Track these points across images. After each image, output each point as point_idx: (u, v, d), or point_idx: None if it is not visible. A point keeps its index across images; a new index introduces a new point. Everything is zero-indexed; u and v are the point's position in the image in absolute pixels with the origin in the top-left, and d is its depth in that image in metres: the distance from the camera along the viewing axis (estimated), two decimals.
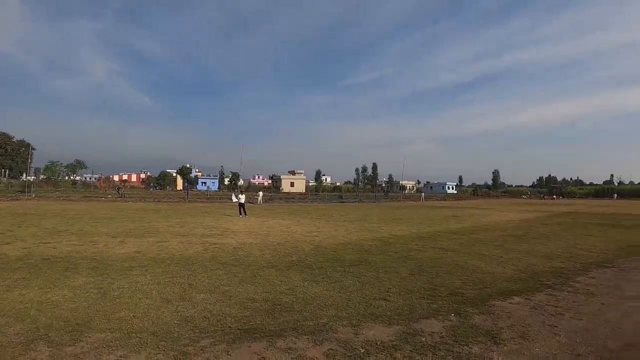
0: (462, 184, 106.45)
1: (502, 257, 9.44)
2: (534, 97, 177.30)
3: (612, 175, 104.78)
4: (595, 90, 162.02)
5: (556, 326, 4.88)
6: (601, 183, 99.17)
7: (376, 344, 3.98)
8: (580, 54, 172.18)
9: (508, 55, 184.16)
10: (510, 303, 5.74)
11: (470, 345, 4.08)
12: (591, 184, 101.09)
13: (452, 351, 3.91)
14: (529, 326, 4.80)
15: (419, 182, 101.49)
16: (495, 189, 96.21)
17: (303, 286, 6.22)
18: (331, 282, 6.53)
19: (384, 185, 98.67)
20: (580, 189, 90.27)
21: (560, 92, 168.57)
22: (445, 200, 57.32)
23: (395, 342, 4.04)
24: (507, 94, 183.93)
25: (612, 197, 64.31)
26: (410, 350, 3.87)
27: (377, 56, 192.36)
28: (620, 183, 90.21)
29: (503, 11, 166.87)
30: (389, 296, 5.83)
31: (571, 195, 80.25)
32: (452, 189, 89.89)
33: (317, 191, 74.50)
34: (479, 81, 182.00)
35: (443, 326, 4.63)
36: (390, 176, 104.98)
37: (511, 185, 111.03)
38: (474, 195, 79.75)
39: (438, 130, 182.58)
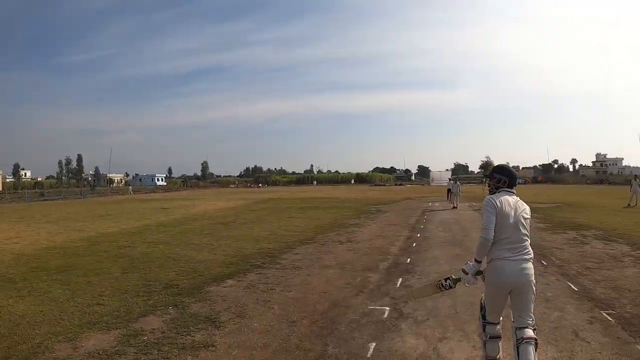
0: (172, 176, 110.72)
1: (212, 244, 10.68)
2: (242, 93, 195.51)
3: (312, 165, 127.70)
4: (299, 94, 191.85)
5: (269, 300, 5.77)
6: (302, 172, 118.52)
7: (99, 354, 3.94)
8: (291, 60, 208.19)
9: (228, 52, 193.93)
10: (224, 287, 6.53)
11: (193, 334, 4.45)
12: (293, 172, 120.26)
13: (176, 344, 4.18)
14: (245, 305, 5.56)
15: (127, 175, 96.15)
16: (204, 179, 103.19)
17: (8, 305, 5.78)
18: (39, 294, 6.30)
19: (90, 179, 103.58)
20: (283, 177, 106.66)
21: (268, 93, 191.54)
22: (155, 192, 56.29)
23: (117, 348, 4.08)
24: (218, 87, 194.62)
25: (312, 183, 77.52)
26: (135, 353, 3.95)
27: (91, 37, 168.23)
28: (319, 172, 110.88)
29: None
30: (103, 300, 5.81)
31: (275, 183, 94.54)
32: (162, 180, 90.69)
33: (17, 189, 72.60)
34: (194, 74, 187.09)
35: (163, 321, 4.90)
36: (97, 169, 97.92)
37: (220, 176, 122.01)
38: (183, 186, 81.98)
39: (148, 120, 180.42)
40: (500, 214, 3.23)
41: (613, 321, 4.69)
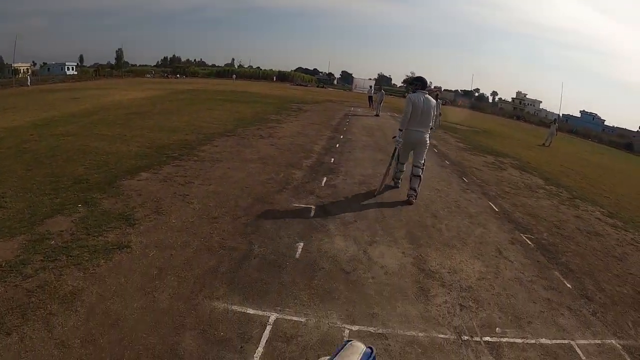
0: (84, 64, 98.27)
1: (125, 135, 9.81)
2: None
3: (233, 59, 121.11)
4: None
5: (188, 195, 5.42)
6: (223, 65, 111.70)
7: (1, 266, 3.40)
8: None
9: None
10: (138, 180, 6.02)
11: (105, 234, 4.07)
12: (214, 65, 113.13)
13: (87, 246, 3.78)
14: (162, 200, 5.19)
15: (34, 64, 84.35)
16: (118, 68, 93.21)
17: None
18: None
19: None
20: (203, 69, 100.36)
21: None
22: (64, 82, 50.58)
23: (22, 257, 3.58)
24: None
25: (232, 77, 74.03)
26: (42, 260, 3.52)
27: None
28: (240, 66, 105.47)
29: None
30: (6, 202, 5.07)
31: (194, 74, 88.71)
32: (73, 69, 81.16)
33: None
34: None
35: (72, 221, 4.38)
36: (0, 58, 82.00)
37: (136, 65, 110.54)
38: (96, 75, 74.11)
39: (56, 3, 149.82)
40: (414, 104, 5.81)
41: (532, 245, 5.09)
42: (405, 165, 6.53)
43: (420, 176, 6.06)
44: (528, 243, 5.13)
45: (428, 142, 6.09)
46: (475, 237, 4.99)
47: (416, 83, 6.12)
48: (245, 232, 4.28)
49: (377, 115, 21.51)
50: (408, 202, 5.93)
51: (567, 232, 5.92)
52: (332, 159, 8.47)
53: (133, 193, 5.31)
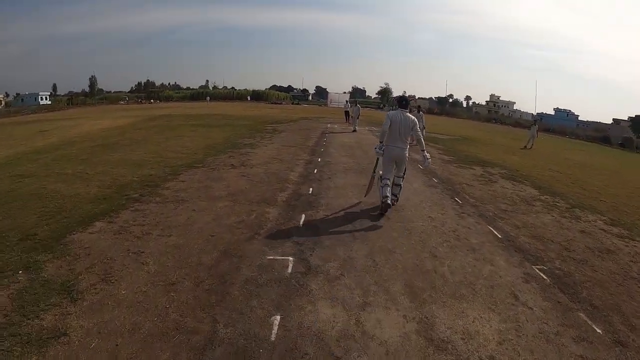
0: (58, 93, 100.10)
1: (87, 173, 8.93)
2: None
3: (207, 81, 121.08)
4: (197, 3, 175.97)
5: (143, 252, 4.56)
6: (197, 87, 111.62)
7: None
8: None
9: None
10: (91, 233, 5.19)
11: (43, 316, 3.29)
12: (188, 88, 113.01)
13: (19, 334, 3.02)
14: (113, 261, 4.37)
15: (7, 95, 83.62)
16: (92, 96, 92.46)
17: None
18: None
19: None
20: (177, 92, 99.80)
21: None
22: (37, 113, 49.75)
23: None
24: None
25: (206, 99, 73.89)
26: None
27: None
28: (215, 87, 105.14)
29: None
30: None
31: (168, 98, 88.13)
32: (47, 99, 79.74)
33: None
34: None
35: (9, 295, 3.61)
36: None
37: (110, 91, 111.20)
38: (69, 104, 73.37)
39: (28, 31, 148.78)
40: (392, 121, 6.25)
41: (548, 280, 4.41)
42: (389, 180, 6.47)
43: (400, 185, 6.88)
44: (543, 278, 4.44)
45: (407, 156, 6.62)
46: (484, 279, 4.26)
47: (396, 102, 7.46)
48: (208, 304, 3.46)
49: (354, 130, 20.90)
50: (387, 205, 6.28)
51: (579, 255, 5.29)
52: (311, 189, 7.66)
53: (82, 252, 4.50)
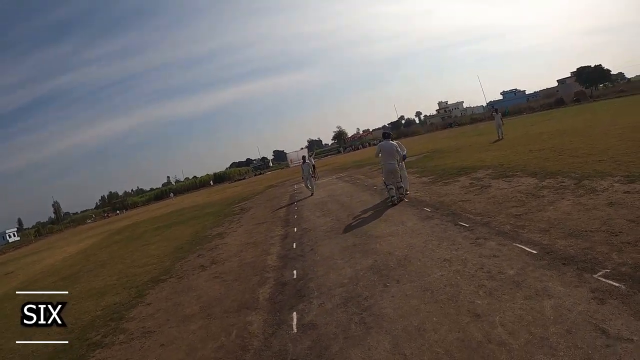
0: (25, 227, 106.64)
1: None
2: (81, 118, 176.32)
3: (168, 177, 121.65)
4: (143, 105, 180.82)
5: None
6: (160, 186, 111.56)
7: None
8: (128, 71, 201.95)
9: (52, 80, 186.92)
10: None
11: None
12: (151, 189, 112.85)
13: None
14: None
15: None
16: (59, 222, 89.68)
17: None
18: None
19: None
20: (141, 197, 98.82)
21: (110, 110, 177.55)
22: (4, 253, 48.03)
23: None
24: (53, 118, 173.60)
25: (169, 196, 73.17)
26: None
27: None
28: (177, 182, 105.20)
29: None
30: None
31: (134, 205, 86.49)
32: (15, 235, 76.84)
33: None
34: (26, 108, 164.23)
35: None
36: None
37: (77, 212, 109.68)
38: (37, 236, 71.70)
39: None
40: (382, 149, 9.96)
41: (622, 286, 3.33)
42: (392, 185, 9.74)
43: (402, 185, 10.00)
44: (615, 286, 3.37)
45: (398, 167, 9.87)
46: (552, 322, 3.09)
47: (384, 135, 10.64)
48: None
49: (312, 194, 16.55)
50: (393, 204, 9.55)
51: (630, 235, 4.35)
52: (295, 273, 6.34)
53: None
